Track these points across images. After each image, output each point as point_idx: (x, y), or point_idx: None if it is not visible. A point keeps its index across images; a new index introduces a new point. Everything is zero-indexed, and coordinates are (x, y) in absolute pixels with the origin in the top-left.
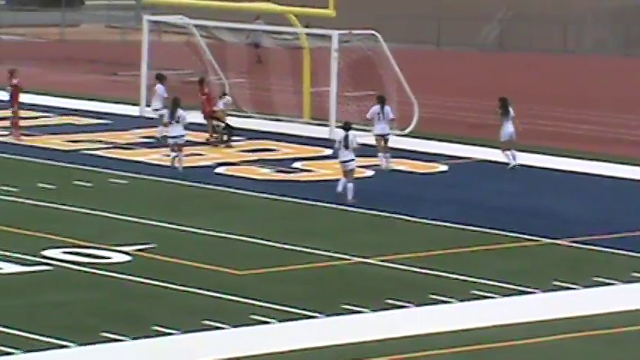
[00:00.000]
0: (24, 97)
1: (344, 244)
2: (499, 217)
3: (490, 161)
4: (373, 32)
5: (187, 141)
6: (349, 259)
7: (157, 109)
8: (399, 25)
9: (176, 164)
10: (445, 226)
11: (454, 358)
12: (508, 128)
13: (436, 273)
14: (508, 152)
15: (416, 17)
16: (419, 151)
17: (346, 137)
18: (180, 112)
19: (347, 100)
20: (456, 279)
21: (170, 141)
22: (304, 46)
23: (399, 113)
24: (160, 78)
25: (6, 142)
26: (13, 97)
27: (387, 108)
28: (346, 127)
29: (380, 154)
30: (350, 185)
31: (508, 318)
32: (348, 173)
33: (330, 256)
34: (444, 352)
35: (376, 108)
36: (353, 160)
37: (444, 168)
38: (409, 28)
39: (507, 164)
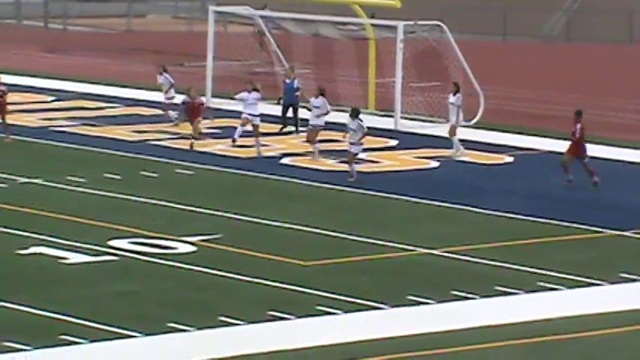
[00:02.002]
0: (90, 88)
1: (409, 235)
2: (565, 209)
3: (556, 152)
4: (439, 23)
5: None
6: (415, 250)
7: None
8: (464, 16)
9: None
10: (511, 217)
11: (520, 349)
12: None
13: (502, 264)
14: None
15: (481, 8)
16: (484, 142)
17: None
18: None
19: (412, 91)
20: (522, 270)
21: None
22: (370, 37)
23: (464, 104)
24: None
25: (73, 133)
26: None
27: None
28: (355, 113)
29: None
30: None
31: (574, 310)
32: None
33: (396, 247)
34: (509, 344)
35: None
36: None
37: (510, 159)
38: (475, 19)
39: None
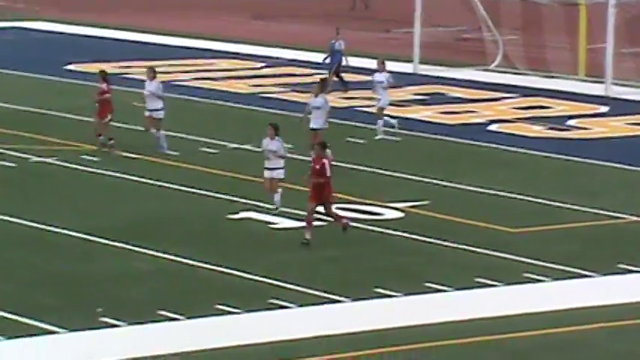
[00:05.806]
0: (298, 54)
1: (620, 203)
2: None
3: None
4: None
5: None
6: (626, 218)
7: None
8: None
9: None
10: None
11: None
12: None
13: None
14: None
15: None
16: None
17: None
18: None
19: (623, 57)
20: None
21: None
22: (580, 3)
23: None
24: None
25: (282, 100)
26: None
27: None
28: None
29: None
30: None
31: None
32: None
33: (606, 215)
34: None
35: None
36: None
37: None
38: None
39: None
